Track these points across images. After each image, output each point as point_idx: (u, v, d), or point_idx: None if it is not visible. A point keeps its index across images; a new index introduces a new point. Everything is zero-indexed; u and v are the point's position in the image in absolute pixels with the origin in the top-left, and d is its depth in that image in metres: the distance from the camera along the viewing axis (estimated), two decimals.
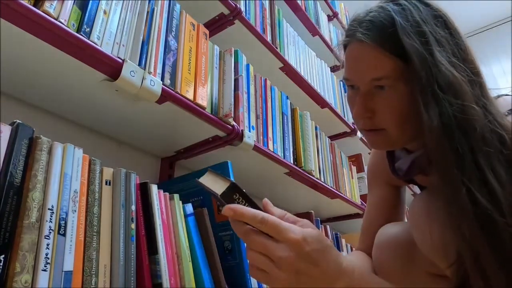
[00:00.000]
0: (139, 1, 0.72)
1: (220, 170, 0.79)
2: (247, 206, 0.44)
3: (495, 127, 0.47)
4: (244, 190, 0.45)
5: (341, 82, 1.86)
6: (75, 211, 0.52)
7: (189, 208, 0.71)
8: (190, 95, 0.76)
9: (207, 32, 0.90)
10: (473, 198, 0.44)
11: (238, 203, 0.44)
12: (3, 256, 0.42)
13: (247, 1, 1.16)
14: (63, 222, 0.50)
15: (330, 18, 2.10)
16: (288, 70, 1.32)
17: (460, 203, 0.44)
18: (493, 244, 0.43)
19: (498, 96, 0.56)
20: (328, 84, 1.68)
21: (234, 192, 0.44)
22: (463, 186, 0.44)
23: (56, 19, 0.54)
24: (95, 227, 0.54)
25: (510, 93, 0.57)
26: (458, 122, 0.46)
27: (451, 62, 0.49)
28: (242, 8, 1.08)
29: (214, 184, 0.47)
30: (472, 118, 0.46)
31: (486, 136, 0.46)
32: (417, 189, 0.77)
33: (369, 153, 1.95)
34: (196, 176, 0.83)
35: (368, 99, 0.55)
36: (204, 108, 0.80)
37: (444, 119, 0.47)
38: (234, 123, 0.87)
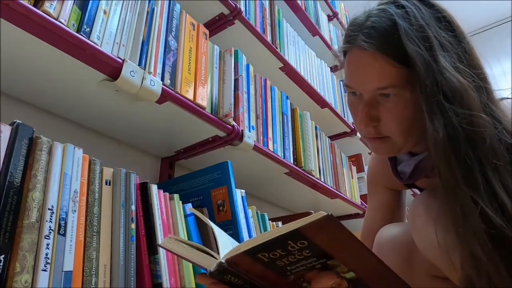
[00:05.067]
0: (139, 1, 0.72)
1: (220, 170, 0.79)
2: (238, 282, 0.42)
3: (503, 136, 0.45)
4: (236, 271, 0.41)
5: (341, 82, 1.86)
6: (75, 211, 0.52)
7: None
8: (190, 95, 0.76)
9: (207, 32, 0.90)
10: (485, 215, 0.40)
11: (230, 280, 0.42)
12: (3, 256, 0.42)
13: (247, 1, 1.16)
14: (63, 222, 0.50)
15: (330, 18, 2.10)
16: (288, 70, 1.31)
17: (470, 222, 0.41)
18: (509, 265, 0.39)
19: (500, 99, 0.54)
20: (328, 84, 1.68)
21: (225, 274, 0.42)
22: (472, 203, 0.41)
23: (56, 19, 0.54)
24: (95, 227, 0.54)
25: (510, 97, 0.55)
26: (465, 133, 0.44)
27: (456, 68, 0.47)
28: (242, 8, 1.08)
29: (192, 254, 0.44)
30: (480, 129, 0.43)
31: (495, 146, 0.43)
32: (417, 191, 0.76)
33: (369, 153, 1.96)
34: (196, 176, 0.84)
35: (372, 108, 0.54)
36: (204, 108, 0.80)
37: (450, 130, 0.44)
38: (234, 123, 0.87)
